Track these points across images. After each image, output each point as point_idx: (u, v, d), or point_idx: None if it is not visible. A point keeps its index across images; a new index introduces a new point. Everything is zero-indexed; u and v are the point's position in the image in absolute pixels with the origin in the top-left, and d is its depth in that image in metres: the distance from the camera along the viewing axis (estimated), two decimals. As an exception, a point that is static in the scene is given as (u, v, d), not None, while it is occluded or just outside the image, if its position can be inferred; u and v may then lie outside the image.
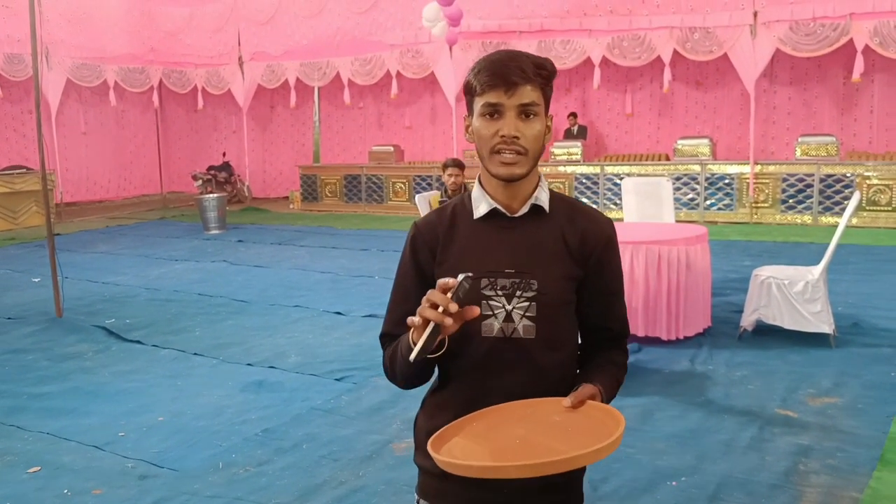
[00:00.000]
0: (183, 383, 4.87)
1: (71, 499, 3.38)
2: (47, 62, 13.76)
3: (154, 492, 3.41)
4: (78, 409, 4.46)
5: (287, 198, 16.08)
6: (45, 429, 4.16)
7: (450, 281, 1.32)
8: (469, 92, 1.52)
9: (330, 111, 16.53)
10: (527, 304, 1.52)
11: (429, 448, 1.31)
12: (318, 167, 15.40)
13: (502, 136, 1.45)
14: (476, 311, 1.37)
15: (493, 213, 1.54)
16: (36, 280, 8.26)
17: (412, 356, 1.31)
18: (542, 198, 1.55)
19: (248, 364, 5.19)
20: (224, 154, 16.87)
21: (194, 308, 6.89)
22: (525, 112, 1.46)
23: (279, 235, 11.55)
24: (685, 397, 4.32)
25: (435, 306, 1.30)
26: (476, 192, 1.57)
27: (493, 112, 1.46)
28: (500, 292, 1.52)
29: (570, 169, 12.43)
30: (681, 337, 5.24)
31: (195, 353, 5.48)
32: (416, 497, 1.62)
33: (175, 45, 15.40)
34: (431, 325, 1.31)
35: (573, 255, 1.54)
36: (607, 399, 1.51)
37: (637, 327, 5.16)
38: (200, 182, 15.59)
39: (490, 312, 1.52)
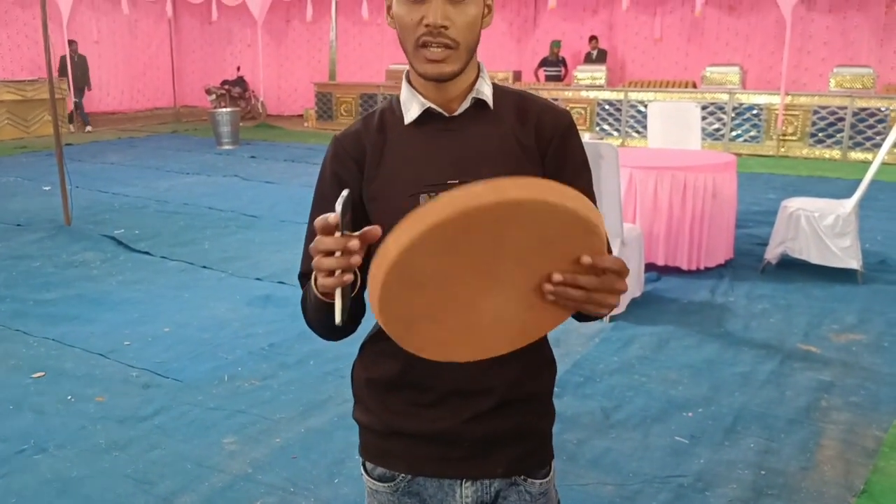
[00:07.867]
0: (189, 295, 4.79)
1: (74, 404, 3.33)
2: (58, -34, 13.34)
3: (157, 400, 3.35)
4: (82, 316, 4.40)
5: (302, 116, 15.76)
6: (49, 335, 4.10)
7: (329, 217, 0.95)
8: None
9: (347, 27, 16.03)
10: None
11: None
12: (334, 85, 15.01)
13: (427, 26, 1.14)
14: (377, 230, 0.99)
15: (427, 115, 1.25)
16: (46, 188, 8.15)
17: (337, 320, 0.99)
18: (485, 91, 1.26)
19: (256, 279, 5.10)
20: (238, 68, 16.47)
21: (203, 221, 6.77)
22: None
23: (292, 153, 11.33)
24: (702, 328, 4.19)
25: (330, 253, 0.95)
26: (405, 92, 1.28)
27: None
28: None
29: (592, 94, 12.04)
30: (701, 267, 5.08)
31: (203, 266, 5.39)
32: (360, 459, 1.38)
33: (189, -48, 14.87)
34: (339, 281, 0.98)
35: (528, 154, 1.26)
36: None
37: (657, 256, 4.99)
38: (214, 96, 15.28)
39: None
